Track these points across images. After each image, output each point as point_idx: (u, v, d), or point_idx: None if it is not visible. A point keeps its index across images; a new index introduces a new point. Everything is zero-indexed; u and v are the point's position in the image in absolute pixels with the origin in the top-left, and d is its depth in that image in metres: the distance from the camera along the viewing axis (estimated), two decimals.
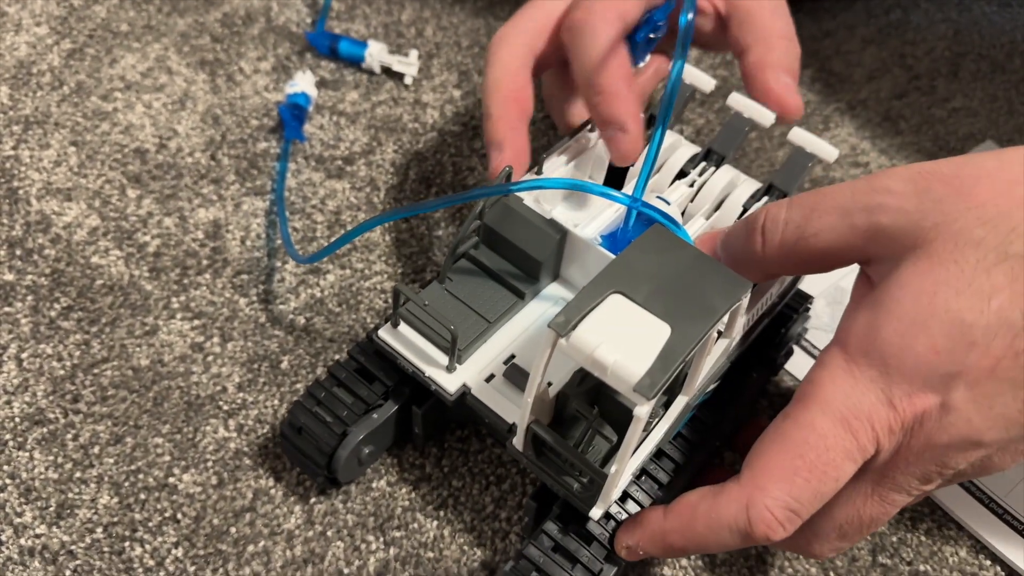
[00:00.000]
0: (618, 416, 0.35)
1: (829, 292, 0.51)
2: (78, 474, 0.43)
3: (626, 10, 0.42)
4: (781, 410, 0.32)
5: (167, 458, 0.43)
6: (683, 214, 0.42)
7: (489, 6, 0.66)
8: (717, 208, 0.42)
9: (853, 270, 0.34)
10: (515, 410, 0.38)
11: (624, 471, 0.34)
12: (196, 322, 0.48)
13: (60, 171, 0.54)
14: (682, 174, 0.43)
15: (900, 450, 0.31)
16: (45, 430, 0.44)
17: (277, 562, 0.41)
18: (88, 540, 0.41)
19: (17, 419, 0.44)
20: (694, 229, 0.40)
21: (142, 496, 0.42)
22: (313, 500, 0.43)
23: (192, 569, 0.40)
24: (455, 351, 0.38)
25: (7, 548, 0.40)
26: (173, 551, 0.41)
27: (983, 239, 0.29)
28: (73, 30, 0.61)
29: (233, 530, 0.42)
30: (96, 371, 0.46)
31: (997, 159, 0.30)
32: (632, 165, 0.44)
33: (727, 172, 0.42)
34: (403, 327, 0.40)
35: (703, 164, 0.43)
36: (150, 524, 0.42)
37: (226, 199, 0.53)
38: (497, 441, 0.44)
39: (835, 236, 0.32)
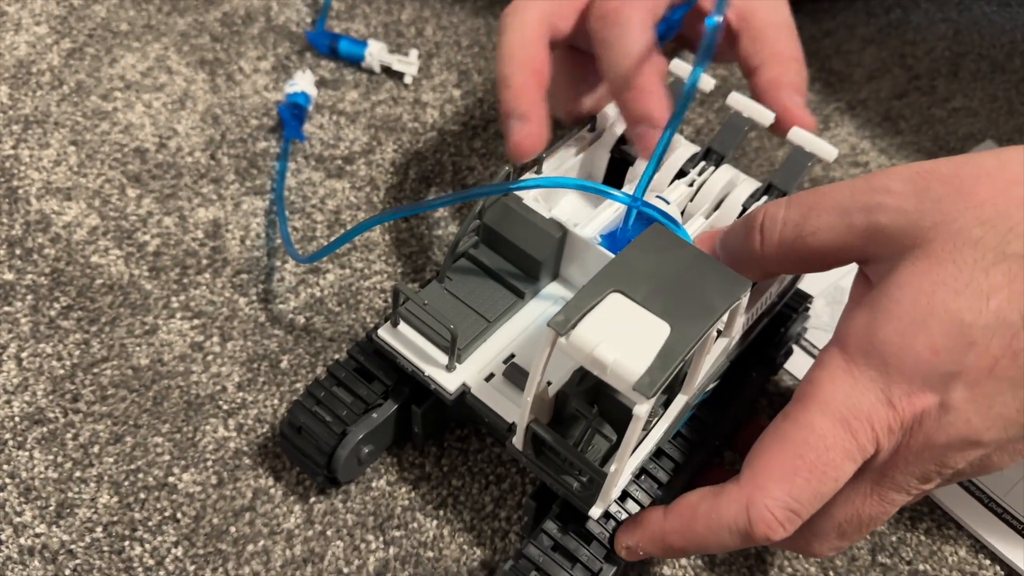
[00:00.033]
0: (618, 415, 0.35)
1: (828, 291, 0.51)
2: (78, 473, 0.43)
3: (657, 4, 0.41)
4: (780, 410, 0.32)
5: (167, 457, 0.43)
6: (682, 213, 0.42)
7: (489, 6, 0.66)
8: (716, 207, 0.42)
9: (852, 269, 0.34)
10: (515, 409, 0.38)
11: (623, 470, 0.34)
12: (196, 321, 0.48)
13: (60, 170, 0.54)
14: (681, 173, 0.43)
15: (899, 450, 0.31)
16: (45, 429, 0.44)
17: (277, 561, 0.41)
18: (88, 539, 0.41)
19: (17, 418, 0.44)
20: (693, 228, 0.40)
21: (142, 495, 0.42)
22: (313, 499, 0.43)
23: (192, 568, 0.40)
24: (455, 350, 0.38)
25: (7, 547, 0.40)
26: (173, 550, 0.41)
27: (981, 239, 0.29)
28: (73, 29, 0.61)
29: (233, 529, 0.42)
30: (96, 370, 0.46)
31: (996, 159, 0.31)
32: (632, 164, 0.44)
33: (726, 171, 0.42)
34: (403, 326, 0.40)
35: (702, 163, 0.43)
36: (150, 523, 0.42)
37: (226, 198, 0.53)
38: (497, 440, 0.45)
39: (833, 235, 0.32)
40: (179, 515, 0.42)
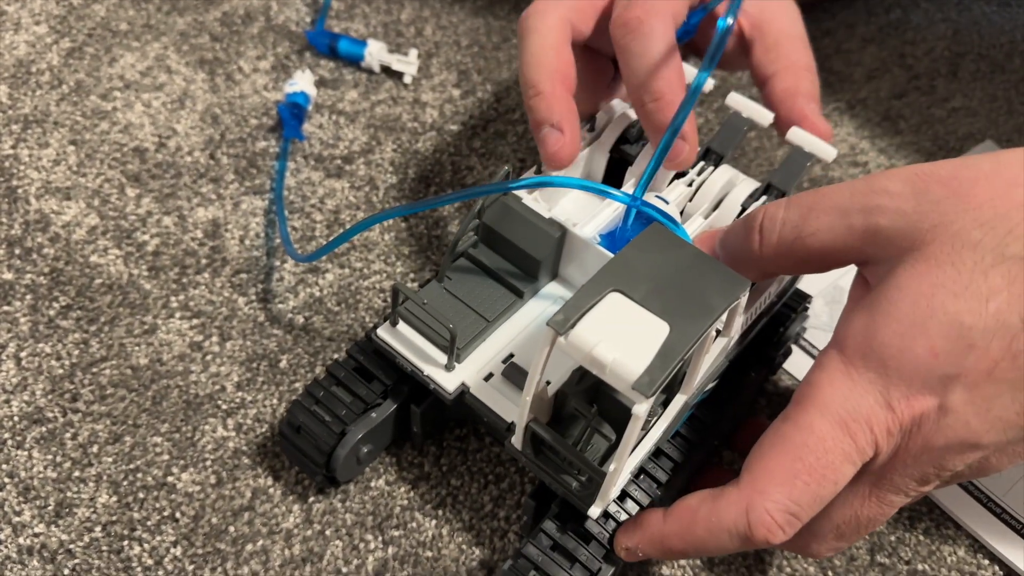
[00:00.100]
0: (617, 415, 0.35)
1: (827, 291, 0.51)
2: (77, 473, 0.43)
3: (678, 11, 0.40)
4: (779, 410, 0.32)
5: (166, 457, 0.43)
6: (682, 213, 0.42)
7: (489, 6, 0.66)
8: (715, 207, 0.42)
9: (851, 269, 0.34)
10: (514, 409, 0.38)
11: (623, 470, 0.34)
12: (195, 321, 0.48)
13: (59, 170, 0.54)
14: (681, 173, 0.43)
15: (898, 452, 0.31)
16: (44, 429, 0.44)
17: (276, 561, 0.41)
18: (87, 539, 0.41)
19: (16, 418, 0.44)
20: (693, 228, 0.40)
21: (141, 495, 0.42)
22: (312, 499, 0.43)
23: (191, 568, 0.40)
24: (454, 350, 0.38)
25: (6, 547, 0.40)
26: (172, 550, 0.41)
27: (980, 241, 0.29)
28: (72, 29, 0.61)
29: (232, 529, 0.42)
30: (95, 370, 0.46)
31: (995, 161, 0.31)
32: (631, 163, 0.44)
33: (726, 171, 0.42)
34: (402, 326, 0.40)
35: (702, 163, 0.43)
36: (149, 523, 0.42)
37: (225, 198, 0.53)
38: (496, 440, 0.45)
39: (832, 236, 0.32)
40: (178, 515, 0.42)
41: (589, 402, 0.35)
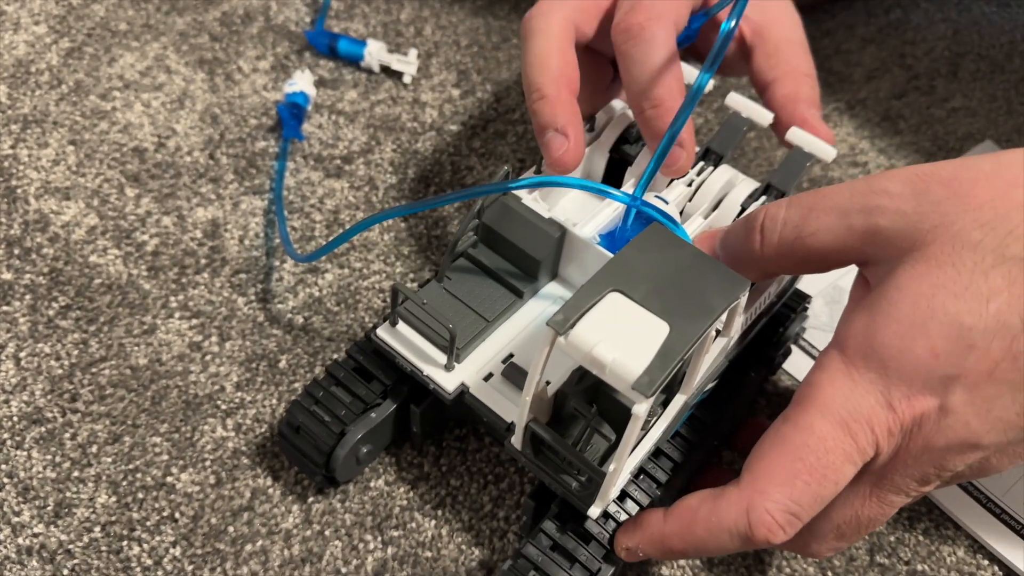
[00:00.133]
0: (616, 414, 0.35)
1: (827, 291, 0.51)
2: (76, 473, 0.43)
3: (680, 16, 0.40)
4: (779, 410, 0.32)
5: (165, 457, 0.43)
6: (681, 213, 0.42)
7: (488, 5, 0.66)
8: (715, 207, 0.42)
9: (851, 270, 0.34)
10: (513, 409, 0.38)
11: (622, 470, 0.34)
12: (194, 321, 0.48)
13: (58, 170, 0.54)
14: None
15: (899, 452, 0.31)
16: (43, 429, 0.44)
17: (275, 561, 0.41)
18: (86, 539, 0.41)
19: (15, 418, 0.44)
20: (692, 228, 0.40)
21: (140, 495, 0.42)
22: (311, 499, 0.43)
23: (190, 568, 0.40)
24: (453, 350, 0.38)
25: (5, 547, 0.40)
26: (171, 550, 0.41)
27: (981, 241, 0.29)
28: (72, 29, 0.61)
29: (231, 529, 0.42)
30: (94, 370, 0.46)
31: (995, 161, 0.31)
32: (631, 164, 0.44)
33: (725, 171, 0.42)
34: (401, 326, 0.40)
35: (701, 163, 0.43)
36: (148, 523, 0.42)
37: (224, 198, 0.53)
38: (495, 440, 0.44)
39: (833, 236, 0.32)
40: (177, 515, 0.42)
41: (589, 402, 0.35)
